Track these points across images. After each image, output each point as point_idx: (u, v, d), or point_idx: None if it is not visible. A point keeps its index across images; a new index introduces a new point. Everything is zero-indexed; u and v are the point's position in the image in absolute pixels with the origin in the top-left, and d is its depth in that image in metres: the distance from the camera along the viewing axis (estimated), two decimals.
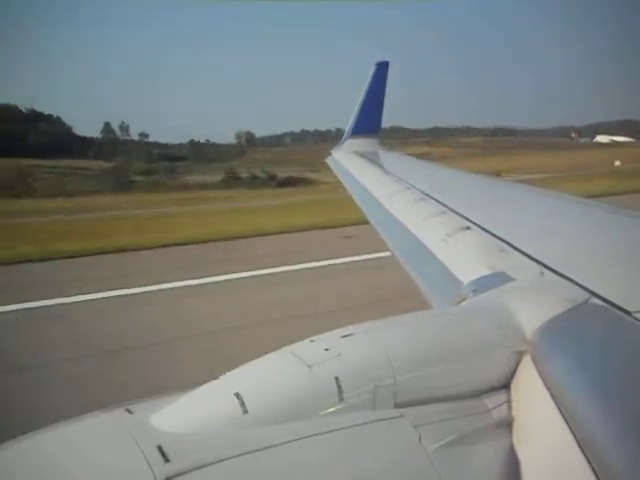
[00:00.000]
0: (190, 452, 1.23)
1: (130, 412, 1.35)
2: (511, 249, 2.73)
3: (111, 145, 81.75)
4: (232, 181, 55.70)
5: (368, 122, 10.52)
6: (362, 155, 9.11)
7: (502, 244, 2.83)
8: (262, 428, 1.33)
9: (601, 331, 1.81)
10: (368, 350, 1.52)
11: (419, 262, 3.39)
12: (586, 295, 1.93)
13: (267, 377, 1.45)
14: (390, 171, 7.15)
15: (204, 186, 52.70)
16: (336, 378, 1.43)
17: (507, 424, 1.53)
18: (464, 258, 2.87)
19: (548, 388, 1.50)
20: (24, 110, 78.07)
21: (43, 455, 1.24)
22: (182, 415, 1.35)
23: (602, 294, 1.92)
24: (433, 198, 4.49)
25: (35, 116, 79.47)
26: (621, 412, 1.37)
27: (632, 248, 2.69)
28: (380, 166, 8.00)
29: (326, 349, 1.50)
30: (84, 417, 1.35)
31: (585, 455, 1.30)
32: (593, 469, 1.27)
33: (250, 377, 1.46)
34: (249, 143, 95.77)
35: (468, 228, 3.31)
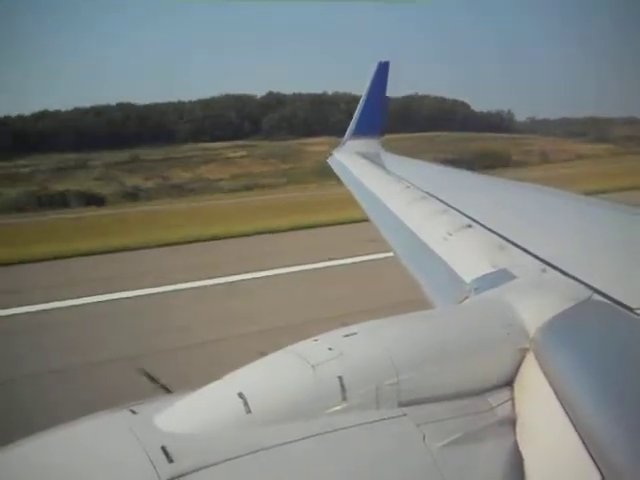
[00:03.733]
0: (194, 452, 1.23)
1: (134, 412, 1.35)
2: (513, 247, 2.72)
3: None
4: None
5: (370, 123, 10.52)
6: (364, 156, 9.11)
7: (504, 242, 2.83)
8: (266, 428, 1.33)
9: (604, 328, 1.80)
10: (371, 349, 1.52)
11: (421, 261, 3.39)
12: (588, 292, 1.92)
13: (270, 377, 1.45)
14: (392, 171, 7.15)
15: None
16: (339, 377, 1.43)
17: (510, 422, 1.53)
18: (466, 256, 2.87)
19: (551, 385, 1.50)
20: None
21: (47, 456, 1.24)
22: (186, 415, 1.35)
23: (604, 291, 1.92)
24: (434, 197, 4.49)
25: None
26: (625, 409, 1.37)
27: (634, 245, 2.68)
28: (382, 167, 8.00)
29: (329, 348, 1.50)
30: (88, 417, 1.36)
31: (589, 452, 1.30)
32: (597, 466, 1.27)
33: (253, 377, 1.47)
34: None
35: (470, 226, 3.31)
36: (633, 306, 1.81)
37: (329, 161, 10.27)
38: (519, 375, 1.63)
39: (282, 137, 70.31)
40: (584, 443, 1.32)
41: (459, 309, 2.07)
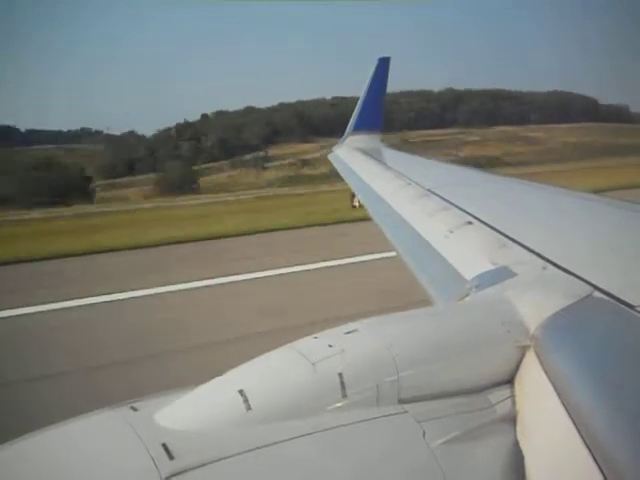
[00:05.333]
0: (194, 449, 1.24)
1: (134, 409, 1.36)
2: (513, 244, 2.72)
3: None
4: None
5: (370, 118, 10.49)
6: (364, 152, 9.09)
7: (504, 239, 2.83)
8: (266, 425, 1.33)
9: (604, 325, 1.80)
10: (371, 346, 1.52)
11: (422, 258, 3.39)
12: (589, 289, 1.92)
13: (271, 374, 1.45)
14: (392, 168, 7.13)
15: None
16: (340, 374, 1.43)
17: (511, 419, 1.53)
18: (467, 253, 2.87)
19: (552, 383, 1.50)
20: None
21: (48, 452, 1.24)
22: (186, 412, 1.35)
23: (605, 288, 1.92)
24: (435, 194, 4.48)
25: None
26: (625, 406, 1.37)
27: (634, 242, 2.68)
28: (382, 163, 7.98)
29: (330, 345, 1.50)
30: (89, 415, 1.36)
31: (589, 449, 1.30)
32: (597, 463, 1.27)
33: (254, 374, 1.47)
34: None
35: (470, 223, 3.30)
36: (634, 303, 1.81)
37: (329, 157, 10.25)
38: (519, 372, 1.63)
39: (477, 126, 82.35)
40: (584, 440, 1.32)
41: (460, 306, 2.07)
